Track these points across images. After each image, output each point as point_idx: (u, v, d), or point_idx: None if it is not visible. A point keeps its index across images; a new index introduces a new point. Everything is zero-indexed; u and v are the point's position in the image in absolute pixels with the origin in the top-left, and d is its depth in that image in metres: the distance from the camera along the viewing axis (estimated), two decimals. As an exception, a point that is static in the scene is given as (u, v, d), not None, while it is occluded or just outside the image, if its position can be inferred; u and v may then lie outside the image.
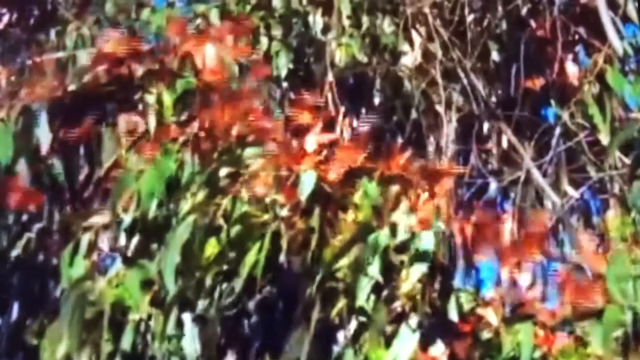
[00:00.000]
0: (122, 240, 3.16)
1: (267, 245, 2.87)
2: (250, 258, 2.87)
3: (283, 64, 3.47)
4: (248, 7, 3.64)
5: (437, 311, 2.81)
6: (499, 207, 3.49)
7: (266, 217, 2.94)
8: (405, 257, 2.90)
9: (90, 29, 3.90)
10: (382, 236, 2.86)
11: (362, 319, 2.82)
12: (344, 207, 2.99)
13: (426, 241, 2.87)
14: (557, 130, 3.51)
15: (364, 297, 2.79)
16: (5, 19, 4.21)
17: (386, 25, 3.57)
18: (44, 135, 3.34)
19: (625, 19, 3.53)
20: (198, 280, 2.96)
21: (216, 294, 2.94)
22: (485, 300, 2.88)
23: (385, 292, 2.83)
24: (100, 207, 3.29)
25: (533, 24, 3.64)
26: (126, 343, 2.92)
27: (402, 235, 2.88)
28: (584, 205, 3.34)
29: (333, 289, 2.88)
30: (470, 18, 3.63)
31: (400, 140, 3.53)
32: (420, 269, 2.81)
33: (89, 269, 3.12)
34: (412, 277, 2.81)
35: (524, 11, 3.70)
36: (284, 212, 2.93)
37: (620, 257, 2.68)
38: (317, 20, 3.57)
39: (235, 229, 2.95)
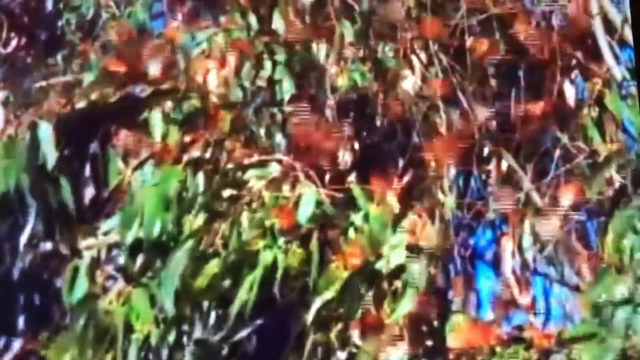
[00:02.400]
0: (123, 261, 3.22)
1: (258, 280, 2.92)
2: (242, 293, 2.92)
3: (287, 89, 3.52)
4: (252, 33, 3.70)
5: (435, 334, 2.85)
6: (498, 230, 3.54)
7: (262, 244, 3.00)
8: (399, 283, 2.96)
9: (96, 53, 3.96)
10: (377, 267, 2.92)
11: (356, 343, 2.87)
12: (344, 230, 3.04)
13: (417, 271, 2.92)
14: (557, 153, 3.56)
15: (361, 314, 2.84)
16: (14, 42, 4.27)
17: (387, 50, 3.64)
18: (50, 152, 3.39)
19: (622, 43, 3.59)
20: (195, 304, 3.01)
21: (211, 320, 3.00)
22: (483, 322, 2.92)
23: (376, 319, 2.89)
24: (105, 224, 3.35)
25: (532, 48, 3.69)
26: (132, 358, 2.97)
27: (396, 261, 2.93)
28: (583, 227, 3.38)
29: (327, 316, 2.94)
30: (469, 42, 3.69)
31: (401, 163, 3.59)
32: (410, 299, 2.86)
33: (95, 286, 3.18)
34: (402, 308, 2.86)
35: (522, 36, 3.76)
36: (282, 240, 2.98)
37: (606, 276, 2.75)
38: (320, 45, 3.63)
39: (232, 257, 3.01)
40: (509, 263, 3.24)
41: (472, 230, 3.54)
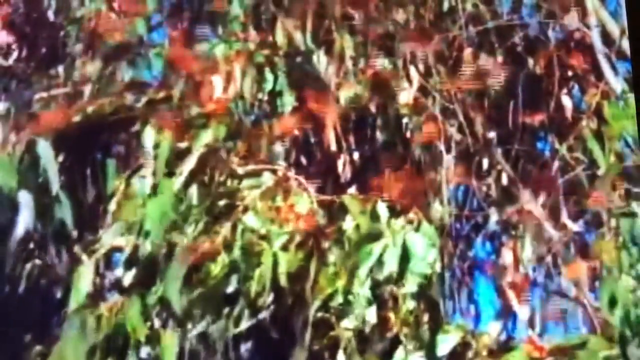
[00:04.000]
0: (121, 271, 3.23)
1: (270, 272, 2.94)
2: (254, 285, 2.93)
3: (287, 101, 3.54)
4: (253, 46, 3.72)
5: (426, 344, 2.87)
6: (497, 241, 3.55)
7: (264, 244, 3.01)
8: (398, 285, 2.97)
9: (96, 65, 3.98)
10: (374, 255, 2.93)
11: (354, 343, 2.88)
12: (336, 239, 3.06)
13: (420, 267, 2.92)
14: (556, 164, 3.58)
15: (359, 318, 2.86)
16: (15, 54, 4.29)
17: (386, 63, 3.66)
18: (53, 175, 3.41)
19: (620, 55, 3.61)
20: (200, 302, 3.03)
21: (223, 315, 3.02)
22: (479, 332, 2.95)
23: (380, 318, 2.90)
24: (104, 235, 3.36)
25: (529, 60, 3.72)
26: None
27: (391, 266, 2.94)
28: (581, 238, 3.41)
29: (326, 316, 2.95)
30: (467, 53, 3.71)
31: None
32: (413, 286, 2.87)
33: (92, 295, 3.19)
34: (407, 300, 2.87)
35: (520, 47, 3.78)
36: (280, 242, 3.00)
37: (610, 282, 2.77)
38: (321, 59, 3.66)
39: (236, 254, 3.02)
40: (508, 274, 3.26)
41: (471, 241, 3.56)
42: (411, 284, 2.93)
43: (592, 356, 2.82)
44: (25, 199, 3.44)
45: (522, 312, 3.16)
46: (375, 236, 2.99)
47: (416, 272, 2.94)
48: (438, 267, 3.02)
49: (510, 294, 3.24)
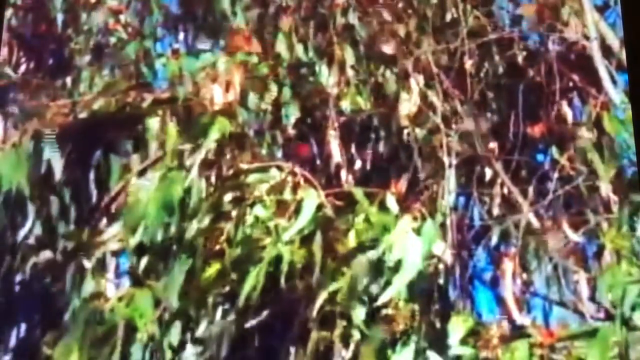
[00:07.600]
0: (129, 263, 3.26)
1: (265, 269, 2.95)
2: (249, 281, 2.95)
3: (291, 113, 3.58)
4: (256, 57, 3.76)
5: (437, 332, 2.89)
6: (498, 251, 3.58)
7: (267, 240, 3.03)
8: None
9: (103, 76, 4.03)
10: (375, 255, 2.94)
11: (359, 338, 2.89)
12: (345, 231, 3.07)
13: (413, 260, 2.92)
14: (556, 175, 3.61)
15: (361, 316, 2.87)
16: (24, 67, 4.35)
17: (388, 74, 3.70)
18: (57, 164, 3.43)
19: (619, 66, 3.64)
20: (199, 300, 3.05)
21: (218, 314, 3.03)
22: (486, 322, 2.97)
23: (383, 312, 2.92)
24: (109, 229, 3.39)
25: (530, 71, 3.76)
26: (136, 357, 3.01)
27: (395, 256, 2.95)
28: (581, 248, 3.44)
29: (332, 311, 2.97)
30: (468, 64, 3.75)
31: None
32: (402, 281, 2.87)
33: (99, 288, 3.21)
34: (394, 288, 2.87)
35: (520, 58, 3.83)
36: (287, 236, 3.01)
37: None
38: (323, 70, 3.70)
39: (237, 252, 3.04)
40: (509, 285, 3.29)
41: (471, 252, 3.60)
42: (419, 275, 2.93)
43: (603, 341, 2.83)
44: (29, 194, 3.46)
45: (523, 322, 3.18)
46: (384, 229, 2.99)
47: (424, 263, 2.95)
48: (447, 257, 3.04)
49: (511, 304, 3.26)
